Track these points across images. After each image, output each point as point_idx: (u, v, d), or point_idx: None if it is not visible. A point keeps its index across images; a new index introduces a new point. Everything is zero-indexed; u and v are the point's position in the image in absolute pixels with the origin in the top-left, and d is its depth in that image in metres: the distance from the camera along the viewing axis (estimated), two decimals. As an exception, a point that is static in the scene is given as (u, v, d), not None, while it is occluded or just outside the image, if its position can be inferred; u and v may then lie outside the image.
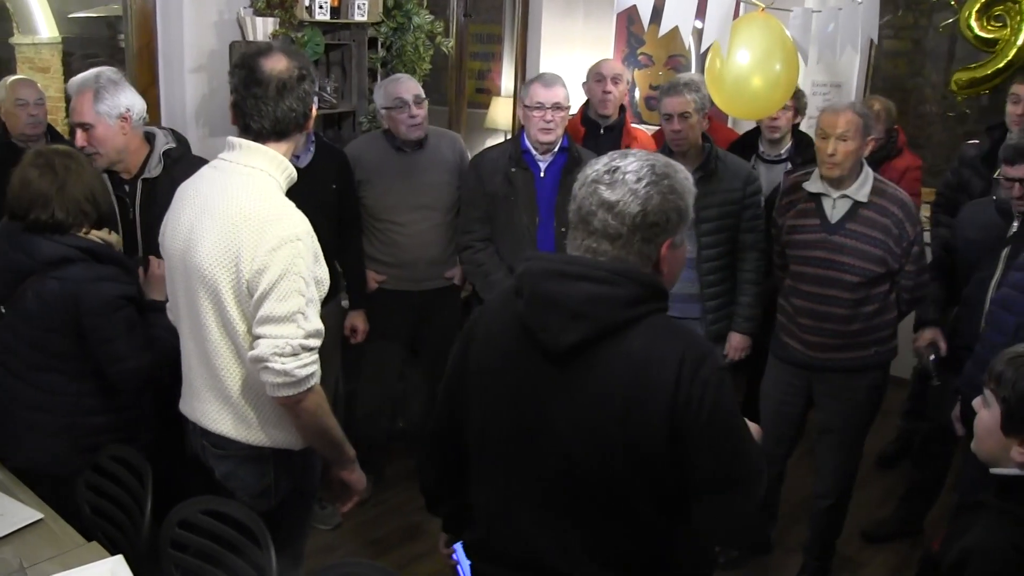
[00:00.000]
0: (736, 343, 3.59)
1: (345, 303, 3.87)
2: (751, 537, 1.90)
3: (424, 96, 3.73)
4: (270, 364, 2.05)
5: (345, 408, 4.14)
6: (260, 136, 2.20)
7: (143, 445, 2.66)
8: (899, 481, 4.25)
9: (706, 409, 1.59)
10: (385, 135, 3.78)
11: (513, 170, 3.53)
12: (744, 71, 2.88)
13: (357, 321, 3.82)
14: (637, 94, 5.98)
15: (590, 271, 1.62)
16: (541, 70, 5.58)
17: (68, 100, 3.74)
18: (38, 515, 2.38)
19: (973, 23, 4.77)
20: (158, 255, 2.48)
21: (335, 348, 3.78)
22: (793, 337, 3.31)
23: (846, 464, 3.42)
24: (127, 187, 2.97)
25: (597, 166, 1.68)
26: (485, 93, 6.30)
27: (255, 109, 2.17)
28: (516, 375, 1.71)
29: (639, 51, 5.93)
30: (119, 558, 2.20)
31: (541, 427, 1.68)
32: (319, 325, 2.14)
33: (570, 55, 5.69)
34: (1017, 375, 1.72)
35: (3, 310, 2.58)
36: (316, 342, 2.12)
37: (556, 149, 3.53)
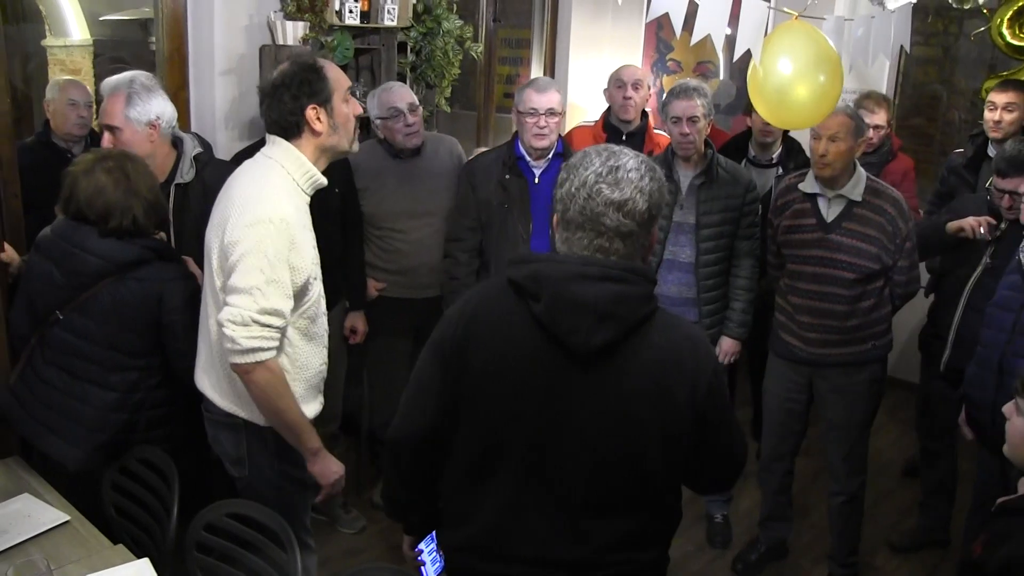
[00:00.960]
0: (727, 347, 3.62)
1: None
2: (730, 484, 2.16)
3: (418, 103, 3.71)
4: (224, 329, 2.22)
5: (358, 414, 4.16)
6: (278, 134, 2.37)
7: (175, 438, 2.72)
8: (924, 491, 4.21)
9: (718, 390, 1.77)
10: (381, 143, 3.76)
11: (507, 176, 3.50)
12: (787, 81, 2.84)
13: (357, 322, 3.79)
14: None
15: (608, 271, 1.67)
16: (570, 75, 5.59)
17: (99, 102, 3.79)
18: (65, 517, 2.41)
19: (1005, 31, 4.70)
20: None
21: (340, 352, 3.76)
22: (793, 335, 3.37)
23: (853, 457, 3.46)
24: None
25: (594, 167, 1.71)
26: (513, 98, 6.29)
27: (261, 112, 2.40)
28: (536, 378, 1.73)
29: (668, 57, 5.91)
30: (145, 561, 2.22)
31: (566, 428, 1.72)
32: (280, 306, 2.25)
33: (599, 60, 5.68)
34: None
35: (60, 316, 2.62)
36: (272, 320, 2.24)
37: (551, 155, 3.51)
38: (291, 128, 2.33)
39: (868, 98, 4.35)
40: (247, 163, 2.43)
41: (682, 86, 3.46)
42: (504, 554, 1.82)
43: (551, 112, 3.42)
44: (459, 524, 1.88)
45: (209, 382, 2.46)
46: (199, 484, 2.68)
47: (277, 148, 2.35)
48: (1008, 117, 3.97)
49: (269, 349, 2.26)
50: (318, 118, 2.33)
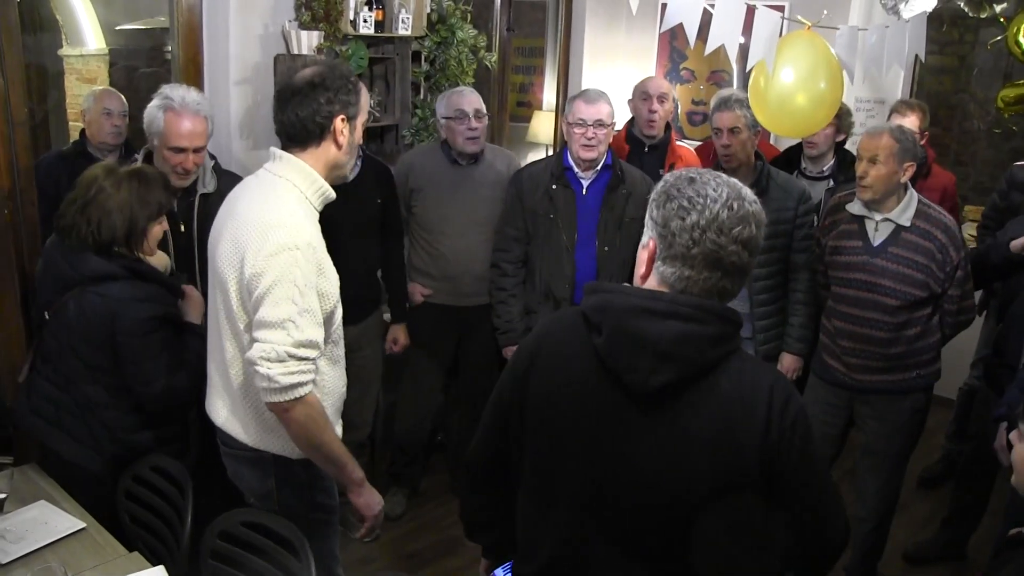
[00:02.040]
0: (788, 364, 3.55)
1: (387, 316, 3.88)
2: (823, 570, 1.79)
3: (485, 112, 3.73)
4: (257, 368, 2.08)
5: (384, 420, 4.16)
6: (284, 144, 2.25)
7: (187, 463, 2.68)
8: (942, 503, 4.17)
9: (796, 448, 1.59)
10: (442, 147, 3.78)
11: (554, 187, 3.49)
12: (788, 89, 2.85)
13: (399, 334, 3.82)
14: (680, 109, 5.95)
15: (678, 308, 1.54)
16: (584, 84, 5.59)
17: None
18: (81, 524, 2.41)
19: (1021, 39, 4.69)
20: None
21: (377, 360, 3.80)
22: (834, 357, 3.30)
23: (888, 487, 3.39)
24: (180, 203, 3.02)
25: (721, 200, 1.56)
26: (527, 107, 6.31)
27: (273, 114, 2.25)
28: (594, 412, 1.64)
29: (682, 66, 5.91)
30: (160, 569, 2.22)
31: (621, 465, 1.62)
32: (314, 336, 2.12)
33: (613, 69, 5.69)
34: None
35: (47, 316, 2.63)
36: (308, 352, 2.11)
37: (599, 167, 3.50)
38: (313, 132, 2.20)
39: (902, 103, 4.27)
40: (249, 181, 2.32)
41: (723, 97, 3.42)
42: None
43: (599, 123, 3.40)
44: (527, 554, 1.83)
45: (230, 416, 2.34)
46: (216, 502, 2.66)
47: (283, 164, 2.22)
48: None
49: (308, 383, 2.13)
50: (343, 131, 2.23)
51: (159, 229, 2.65)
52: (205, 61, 3.77)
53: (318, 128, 2.20)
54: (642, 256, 1.65)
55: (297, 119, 2.19)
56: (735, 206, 1.56)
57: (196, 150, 2.95)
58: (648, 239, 1.63)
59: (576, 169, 3.51)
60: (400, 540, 3.85)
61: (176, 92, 2.96)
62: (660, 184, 1.64)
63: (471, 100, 3.69)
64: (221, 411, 2.35)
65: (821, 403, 3.39)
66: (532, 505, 1.80)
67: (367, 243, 3.49)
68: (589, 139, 3.40)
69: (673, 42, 5.85)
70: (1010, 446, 2.77)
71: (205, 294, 2.55)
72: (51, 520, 2.42)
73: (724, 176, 1.62)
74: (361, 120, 2.30)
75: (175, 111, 2.89)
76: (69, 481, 2.61)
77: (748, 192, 1.61)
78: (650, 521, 1.63)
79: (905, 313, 3.10)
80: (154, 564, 2.27)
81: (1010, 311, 3.32)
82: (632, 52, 5.86)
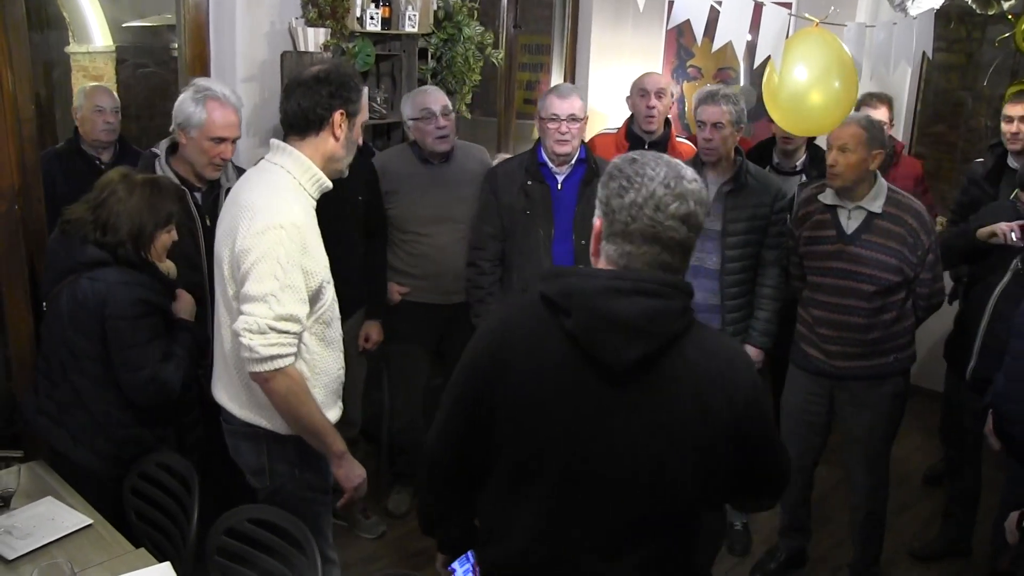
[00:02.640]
0: (752, 356, 3.56)
1: None
2: (771, 506, 2.04)
3: (452, 108, 3.73)
4: (241, 338, 2.21)
5: (389, 421, 4.17)
6: (285, 133, 2.38)
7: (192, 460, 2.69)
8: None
9: (761, 408, 1.72)
10: (412, 147, 3.78)
11: (529, 183, 3.50)
12: (802, 87, 2.84)
13: (371, 330, 3.79)
14: (687, 107, 5.94)
15: (641, 284, 1.62)
16: (590, 82, 5.58)
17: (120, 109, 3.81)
18: (87, 520, 2.42)
19: (1029, 36, 4.69)
20: None
21: (360, 359, 3.78)
22: (813, 346, 3.35)
23: (875, 473, 3.44)
24: (199, 196, 3.08)
25: (659, 178, 1.64)
26: (534, 104, 6.28)
27: (280, 104, 2.39)
28: (570, 394, 1.69)
29: (688, 63, 5.90)
30: (167, 565, 2.23)
31: (600, 443, 1.67)
32: (296, 311, 2.24)
33: (619, 66, 5.68)
34: None
35: (44, 307, 2.66)
36: (289, 325, 2.24)
37: (573, 161, 3.51)
38: (313, 123, 2.33)
39: (870, 95, 4.34)
40: (251, 171, 2.45)
41: (710, 91, 3.44)
42: (542, 571, 1.79)
43: (573, 118, 3.41)
44: (498, 540, 1.85)
45: (227, 394, 2.46)
46: (223, 494, 2.67)
47: (282, 154, 2.35)
48: None
49: (288, 356, 2.25)
50: (341, 125, 2.34)
51: (167, 238, 2.68)
52: (212, 58, 3.79)
53: (318, 119, 2.33)
54: (593, 235, 1.75)
55: (299, 108, 2.33)
56: (672, 184, 1.64)
57: (234, 140, 3.03)
58: (596, 219, 1.73)
59: (550, 164, 3.51)
60: (405, 538, 3.86)
61: (212, 84, 3.03)
62: (608, 166, 1.73)
63: (437, 98, 3.67)
64: (220, 388, 2.49)
65: (803, 393, 3.45)
66: (502, 492, 1.81)
67: (348, 242, 3.48)
68: (563, 134, 3.41)
69: (680, 39, 5.84)
70: (999, 430, 2.82)
71: None
72: (58, 516, 2.43)
73: (666, 157, 1.71)
74: (361, 119, 2.42)
75: (219, 101, 2.96)
76: (74, 478, 2.62)
77: (689, 171, 1.68)
78: (630, 498, 1.69)
79: (880, 298, 3.17)
80: (160, 561, 2.28)
81: (971, 295, 3.48)
82: (639, 49, 5.85)
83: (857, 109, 4.24)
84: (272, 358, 2.22)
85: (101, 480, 2.62)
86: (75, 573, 1.98)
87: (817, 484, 3.72)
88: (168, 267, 2.78)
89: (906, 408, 3.44)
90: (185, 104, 2.95)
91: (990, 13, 4.87)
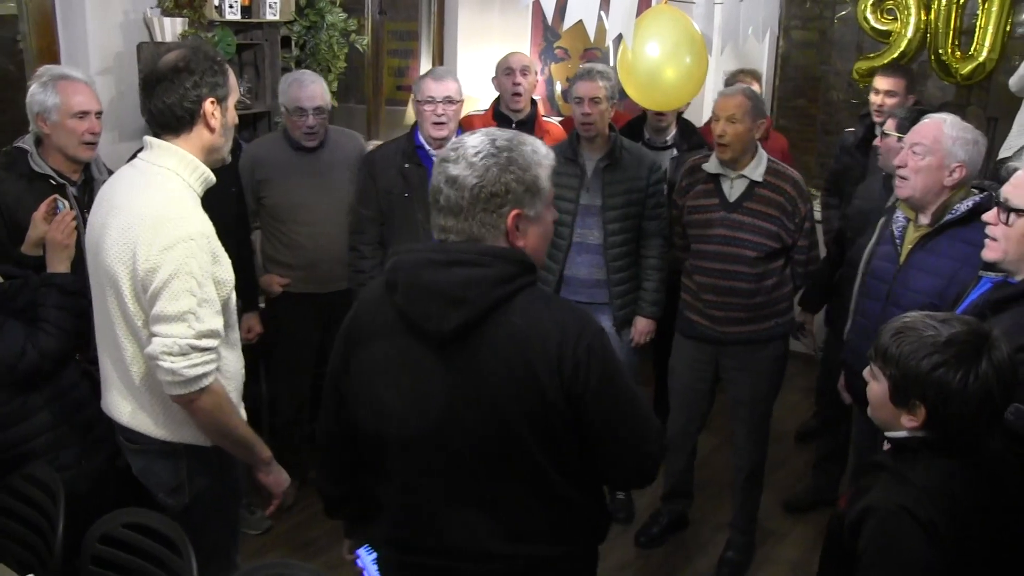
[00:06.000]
0: (642, 327, 3.70)
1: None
2: (648, 481, 1.90)
3: (327, 107, 3.68)
4: (160, 363, 2.07)
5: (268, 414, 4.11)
6: (155, 132, 2.20)
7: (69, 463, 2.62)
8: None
9: (595, 372, 1.68)
10: (284, 135, 3.74)
11: (407, 166, 3.51)
12: (655, 63, 2.92)
13: (253, 322, 3.74)
14: (558, 88, 6.01)
15: (460, 255, 1.67)
16: (459, 66, 5.58)
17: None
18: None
19: (869, 15, 4.90)
20: None
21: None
22: (699, 313, 3.45)
23: (757, 433, 3.57)
24: (76, 190, 2.98)
25: (448, 146, 1.74)
26: (406, 90, 6.24)
27: (141, 103, 2.22)
28: (405, 368, 1.73)
29: (555, 45, 5.96)
30: (29, 577, 2.14)
31: (438, 414, 1.71)
32: (214, 325, 2.13)
33: (487, 49, 5.68)
34: (900, 353, 1.78)
35: None
36: (210, 342, 2.12)
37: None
38: (183, 119, 2.15)
39: (741, 72, 4.49)
40: (125, 171, 2.26)
41: (586, 68, 3.51)
42: (417, 545, 1.82)
43: (448, 100, 3.43)
44: (377, 518, 1.90)
45: (136, 412, 2.28)
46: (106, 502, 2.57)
47: (161, 151, 2.17)
48: (889, 102, 4.12)
49: (212, 373, 2.13)
50: (214, 114, 2.18)
51: None
52: (62, 51, 3.65)
53: (187, 114, 2.15)
54: None
55: (165, 106, 2.14)
56: (451, 149, 1.73)
57: (98, 114, 2.93)
58: None
59: (428, 147, 3.51)
60: (294, 530, 3.81)
61: (56, 68, 2.98)
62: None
63: (313, 96, 3.59)
64: (124, 409, 2.30)
65: (688, 360, 3.56)
66: (368, 470, 1.87)
67: (227, 233, 3.39)
68: (439, 116, 3.43)
69: (546, 21, 5.90)
70: (850, 384, 2.99)
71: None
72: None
73: (495, 131, 1.76)
74: (232, 100, 2.26)
75: (67, 79, 2.90)
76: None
77: (478, 140, 1.72)
78: (470, 469, 1.72)
79: (762, 264, 3.29)
80: (23, 574, 2.19)
81: (848, 257, 3.54)
82: (506, 33, 5.87)
83: (728, 85, 4.41)
84: (197, 378, 2.09)
85: None
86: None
87: (697, 448, 3.84)
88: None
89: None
90: (35, 94, 2.87)
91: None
